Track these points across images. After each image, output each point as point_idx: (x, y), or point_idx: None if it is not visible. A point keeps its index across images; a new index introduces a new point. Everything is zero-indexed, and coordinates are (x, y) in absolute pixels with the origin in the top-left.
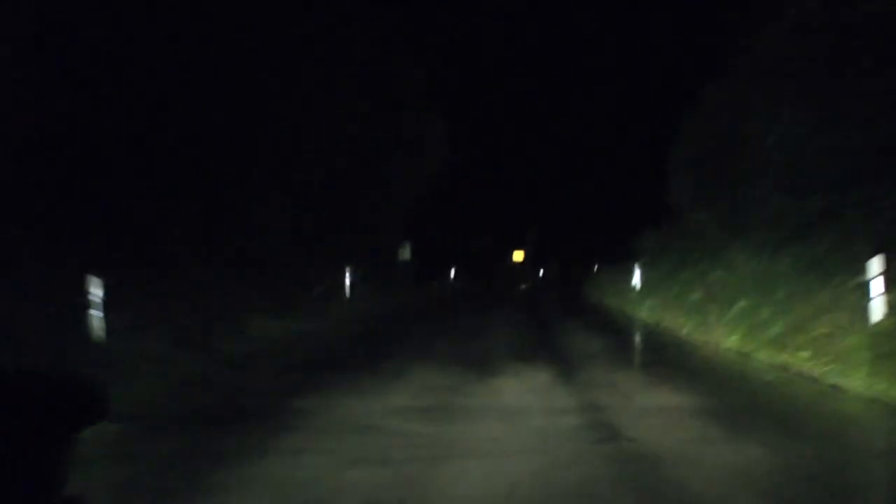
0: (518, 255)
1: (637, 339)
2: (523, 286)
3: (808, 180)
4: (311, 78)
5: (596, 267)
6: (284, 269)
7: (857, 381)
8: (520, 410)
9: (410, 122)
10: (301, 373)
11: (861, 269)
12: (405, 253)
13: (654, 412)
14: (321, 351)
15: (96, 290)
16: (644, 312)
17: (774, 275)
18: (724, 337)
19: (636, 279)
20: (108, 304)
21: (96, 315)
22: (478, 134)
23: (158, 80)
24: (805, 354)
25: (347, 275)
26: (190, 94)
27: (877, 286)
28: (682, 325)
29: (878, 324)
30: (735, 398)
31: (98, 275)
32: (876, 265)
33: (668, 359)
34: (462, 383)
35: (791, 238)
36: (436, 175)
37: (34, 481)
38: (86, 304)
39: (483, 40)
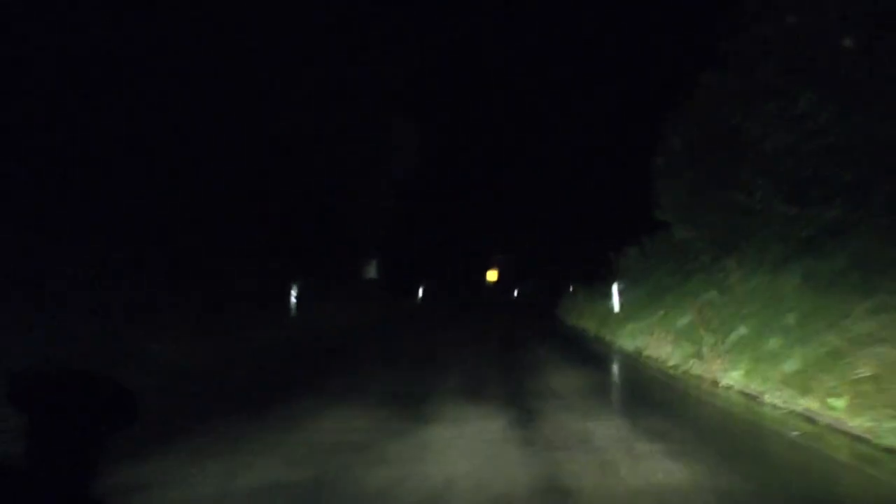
0: (492, 275)
1: (616, 372)
2: (493, 302)
3: (819, 184)
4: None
5: (572, 287)
6: (212, 281)
7: None
8: (444, 497)
9: (379, 129)
10: (174, 419)
11: None
12: (371, 270)
13: (647, 501)
14: (222, 385)
15: None
16: (624, 339)
17: (780, 295)
18: (722, 372)
19: (615, 300)
20: None
21: None
22: (451, 150)
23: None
24: (840, 402)
25: (294, 289)
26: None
27: None
28: (669, 356)
29: None
30: (761, 472)
31: None
32: None
33: (656, 401)
34: (382, 437)
35: (799, 251)
36: (405, 189)
37: (65, 474)
38: None
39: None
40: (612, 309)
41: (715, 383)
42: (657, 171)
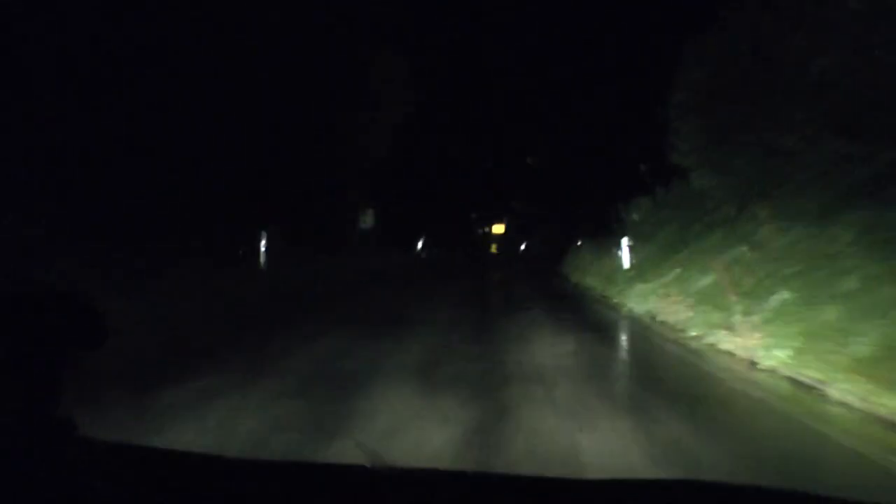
0: (498, 228)
1: (623, 344)
2: (497, 256)
3: (881, 115)
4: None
5: (579, 241)
6: (166, 228)
7: None
8: None
9: (369, 65)
10: None
11: None
12: (367, 219)
13: None
14: (110, 360)
15: None
16: (634, 300)
17: (830, 251)
18: (762, 349)
19: (625, 256)
20: None
21: None
22: (452, 95)
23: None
24: None
25: (263, 239)
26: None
27: None
28: (688, 323)
29: None
30: None
31: None
32: None
33: (676, 392)
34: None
35: (849, 197)
36: (404, 134)
37: (32, 396)
38: None
39: None
40: (620, 266)
41: (752, 364)
42: (675, 108)
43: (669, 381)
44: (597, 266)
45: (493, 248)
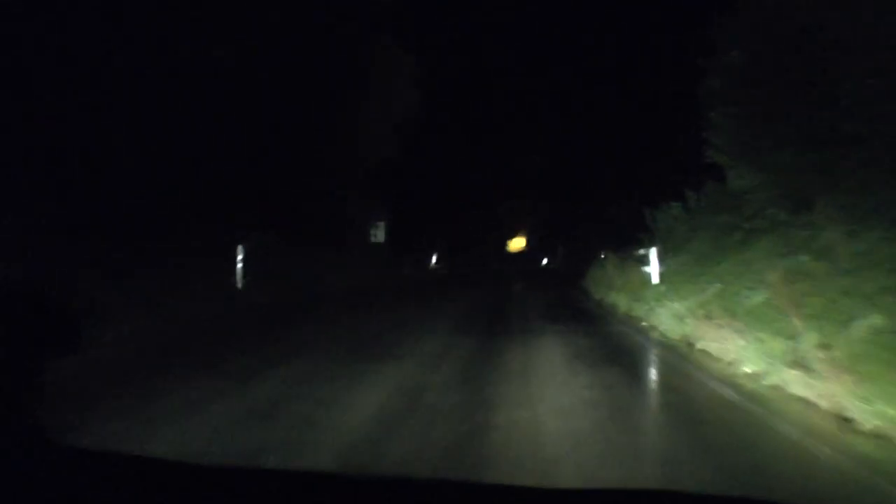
0: (518, 243)
1: (658, 386)
2: (515, 269)
3: None
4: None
5: (602, 254)
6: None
7: None
8: None
9: (372, 60)
10: None
11: None
12: (378, 234)
13: None
14: None
15: None
16: (666, 321)
17: None
18: (856, 399)
19: (653, 269)
20: None
21: None
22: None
23: None
24: None
25: (240, 254)
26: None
27: None
28: (740, 355)
29: None
30: None
31: None
32: None
33: (745, 483)
34: None
35: None
36: (413, 142)
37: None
38: None
39: None
40: (649, 280)
41: (846, 422)
42: (710, 98)
43: (735, 460)
44: (622, 280)
45: (512, 260)
